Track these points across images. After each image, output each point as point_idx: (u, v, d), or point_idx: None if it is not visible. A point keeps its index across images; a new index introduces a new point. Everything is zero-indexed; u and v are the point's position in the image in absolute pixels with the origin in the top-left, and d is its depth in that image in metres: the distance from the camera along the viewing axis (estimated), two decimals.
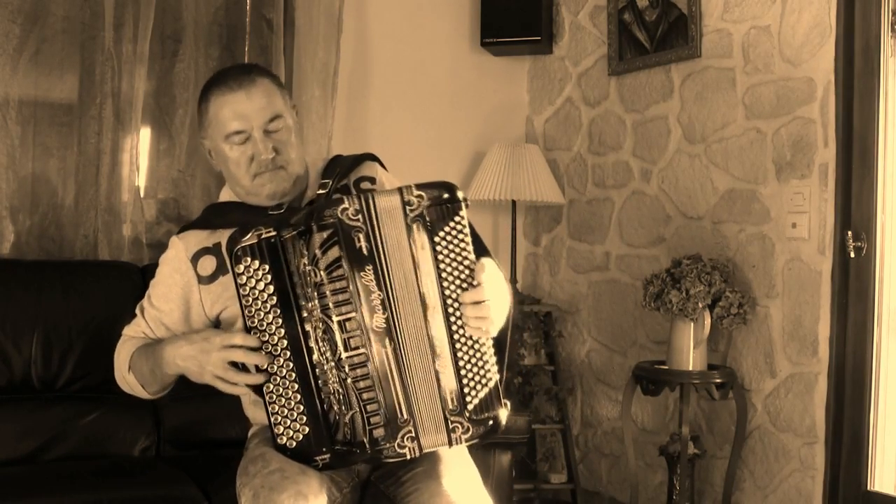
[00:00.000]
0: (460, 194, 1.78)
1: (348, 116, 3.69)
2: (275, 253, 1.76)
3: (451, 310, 1.77)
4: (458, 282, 1.77)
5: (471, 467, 1.94)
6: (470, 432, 1.78)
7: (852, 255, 2.78)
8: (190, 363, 1.82)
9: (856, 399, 2.78)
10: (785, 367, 2.96)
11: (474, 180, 3.76)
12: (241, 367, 1.79)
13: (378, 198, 1.77)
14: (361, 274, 1.75)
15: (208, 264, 1.99)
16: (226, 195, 2.10)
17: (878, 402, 2.76)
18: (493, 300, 1.78)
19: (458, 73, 3.95)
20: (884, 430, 2.76)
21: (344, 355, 1.76)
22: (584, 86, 3.80)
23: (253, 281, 1.76)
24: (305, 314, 1.76)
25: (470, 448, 1.94)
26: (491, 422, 1.79)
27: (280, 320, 1.76)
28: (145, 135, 3.39)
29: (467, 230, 1.78)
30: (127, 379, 2.03)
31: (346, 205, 1.76)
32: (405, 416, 1.77)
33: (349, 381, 1.76)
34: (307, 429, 1.78)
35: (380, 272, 1.76)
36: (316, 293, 1.75)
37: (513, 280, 3.78)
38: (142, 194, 3.33)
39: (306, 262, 1.76)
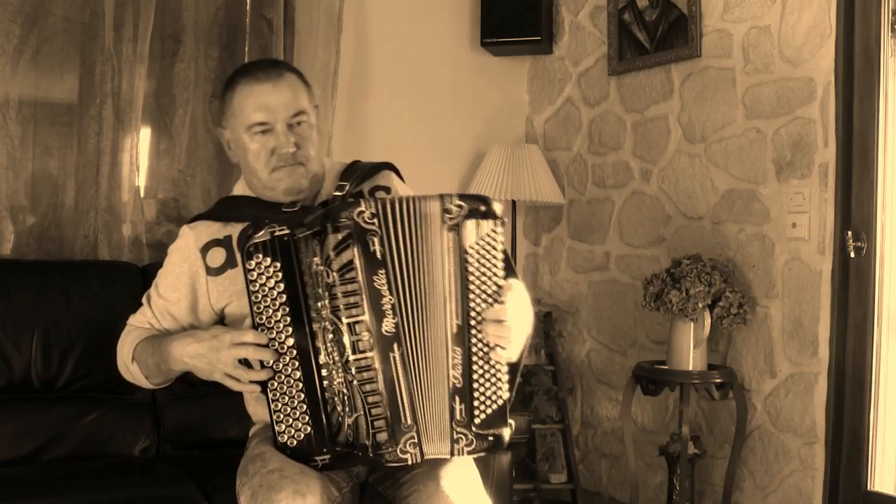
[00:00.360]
0: (499, 211, 1.77)
1: (348, 116, 3.69)
2: (287, 251, 1.76)
3: (473, 322, 1.76)
4: (483, 296, 1.76)
5: (471, 468, 1.94)
6: (473, 445, 1.78)
7: (852, 255, 2.78)
8: (199, 361, 1.82)
9: (856, 399, 2.78)
10: (785, 367, 2.96)
11: (474, 180, 3.76)
12: (248, 365, 1.78)
13: (418, 202, 1.76)
14: (374, 277, 1.75)
15: (218, 256, 1.99)
16: (240, 189, 2.10)
17: (878, 402, 2.76)
18: (516, 323, 1.77)
19: (458, 74, 3.95)
20: (884, 430, 2.76)
21: (351, 358, 1.75)
22: (584, 86, 3.81)
23: (263, 278, 1.76)
24: (314, 315, 1.76)
25: None
26: (495, 439, 1.79)
27: (288, 319, 1.76)
28: (145, 135, 3.39)
29: (500, 248, 1.77)
30: (130, 369, 2.02)
31: (362, 208, 1.75)
32: (409, 422, 1.77)
33: (355, 383, 1.75)
34: (308, 428, 1.77)
35: (392, 276, 1.75)
36: (327, 294, 1.75)
37: None
38: (142, 194, 3.33)
39: (319, 263, 1.75)
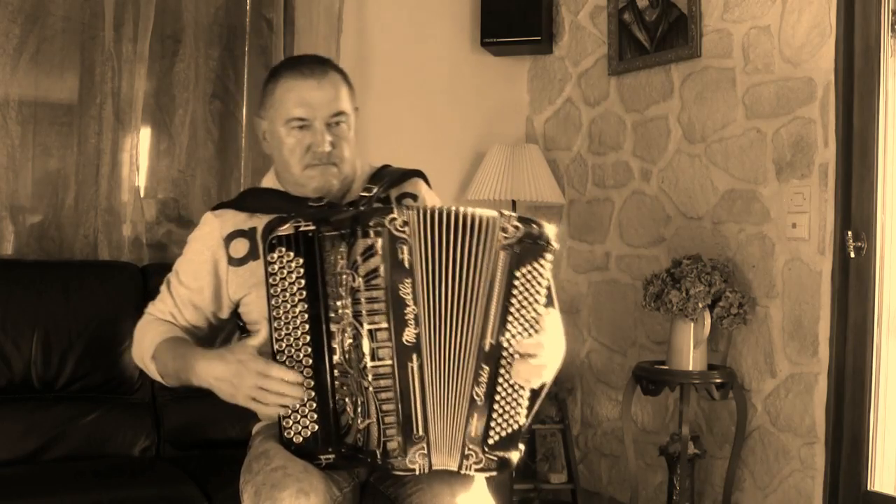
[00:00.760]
0: (553, 238, 1.76)
1: None
2: (310, 247, 1.74)
3: (506, 344, 1.74)
4: (522, 320, 1.75)
5: None
6: (482, 464, 1.77)
7: (852, 255, 2.78)
8: (223, 384, 1.79)
9: (856, 399, 2.78)
10: (785, 368, 2.96)
11: (474, 180, 3.76)
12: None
13: (476, 215, 1.74)
14: (400, 286, 1.73)
15: (241, 247, 1.98)
16: (269, 181, 2.08)
17: (878, 402, 2.76)
18: (548, 357, 1.77)
19: (459, 73, 3.95)
20: (884, 431, 2.76)
21: (369, 364, 1.73)
22: (584, 86, 3.80)
23: (284, 272, 1.74)
24: (332, 315, 1.74)
25: None
26: (503, 461, 1.78)
27: (306, 315, 1.74)
28: (145, 135, 3.39)
29: (547, 276, 1.76)
30: (147, 364, 2.01)
31: (394, 215, 1.73)
32: (420, 433, 1.75)
33: (371, 389, 1.73)
34: (316, 427, 1.76)
35: (418, 286, 1.73)
36: (351, 299, 1.73)
37: None
38: (142, 194, 3.33)
39: (345, 265, 1.73)
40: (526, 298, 1.75)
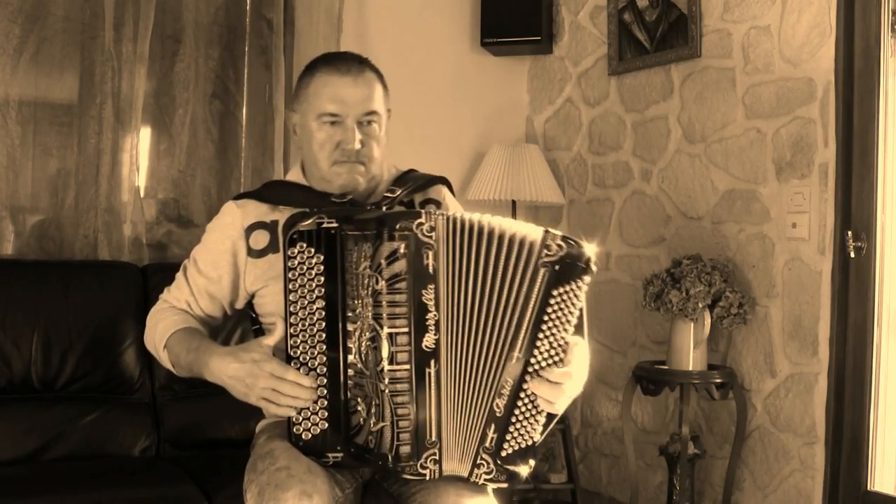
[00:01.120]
0: (593, 260, 1.74)
1: None
2: (332, 244, 1.73)
3: (532, 360, 1.73)
4: (552, 340, 1.73)
5: None
6: (492, 474, 1.76)
7: (852, 255, 2.78)
8: (236, 383, 1.78)
9: (856, 399, 2.78)
10: (785, 367, 2.96)
11: (474, 180, 3.76)
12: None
13: (522, 231, 1.74)
14: (423, 291, 1.72)
15: (261, 239, 1.97)
16: (294, 176, 2.07)
17: (878, 402, 2.76)
18: (571, 386, 1.75)
19: (459, 73, 3.95)
20: (884, 430, 2.76)
21: (387, 368, 1.72)
22: (584, 86, 3.81)
23: (303, 267, 1.73)
24: (350, 314, 1.72)
25: None
26: (513, 474, 1.77)
27: (323, 312, 1.73)
28: (145, 135, 3.40)
29: (582, 298, 1.75)
30: (159, 353, 1.99)
31: (422, 220, 1.72)
32: (433, 439, 1.75)
33: (387, 392, 1.72)
34: (326, 424, 1.75)
35: (441, 292, 1.72)
36: (372, 301, 1.71)
37: None
38: (142, 194, 3.33)
39: (367, 267, 1.72)
40: (559, 318, 1.73)
